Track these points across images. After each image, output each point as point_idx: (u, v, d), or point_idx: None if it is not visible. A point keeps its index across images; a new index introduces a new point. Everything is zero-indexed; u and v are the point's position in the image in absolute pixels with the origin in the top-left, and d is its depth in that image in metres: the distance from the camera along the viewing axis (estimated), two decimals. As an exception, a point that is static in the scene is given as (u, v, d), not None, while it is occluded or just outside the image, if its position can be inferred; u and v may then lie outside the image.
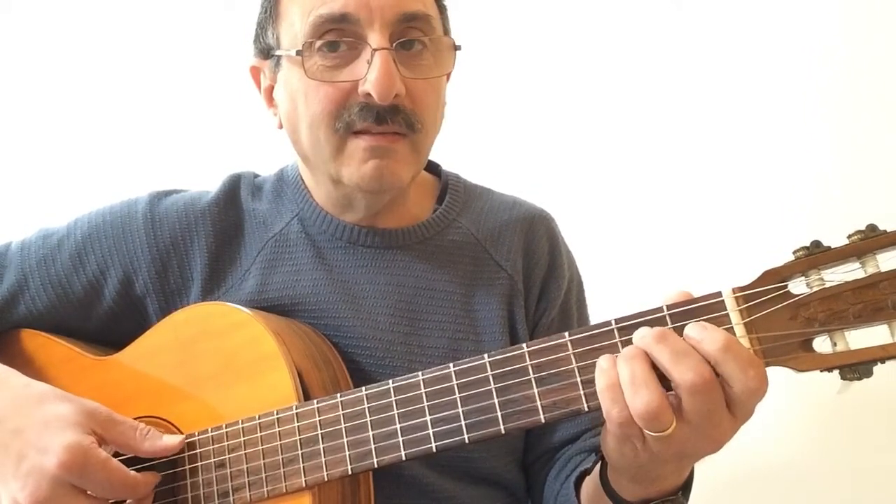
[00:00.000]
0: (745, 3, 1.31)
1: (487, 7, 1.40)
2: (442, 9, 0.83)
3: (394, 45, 0.75)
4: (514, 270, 0.87)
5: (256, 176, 0.93)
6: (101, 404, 0.69)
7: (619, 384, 0.56)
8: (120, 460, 0.67)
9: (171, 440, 0.70)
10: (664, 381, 0.55)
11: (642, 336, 0.56)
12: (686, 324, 0.56)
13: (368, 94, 0.73)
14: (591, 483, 0.74)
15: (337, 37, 0.75)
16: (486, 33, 1.37)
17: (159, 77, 1.51)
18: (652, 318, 0.58)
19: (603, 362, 0.57)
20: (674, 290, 0.59)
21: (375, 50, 0.73)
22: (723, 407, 0.55)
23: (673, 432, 0.55)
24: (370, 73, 0.73)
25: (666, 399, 0.55)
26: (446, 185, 0.91)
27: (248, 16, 0.85)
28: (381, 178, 0.77)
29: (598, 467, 0.71)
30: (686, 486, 0.67)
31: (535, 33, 1.41)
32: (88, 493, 0.65)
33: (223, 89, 1.41)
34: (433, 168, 0.95)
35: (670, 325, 0.57)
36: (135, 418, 0.74)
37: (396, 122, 0.75)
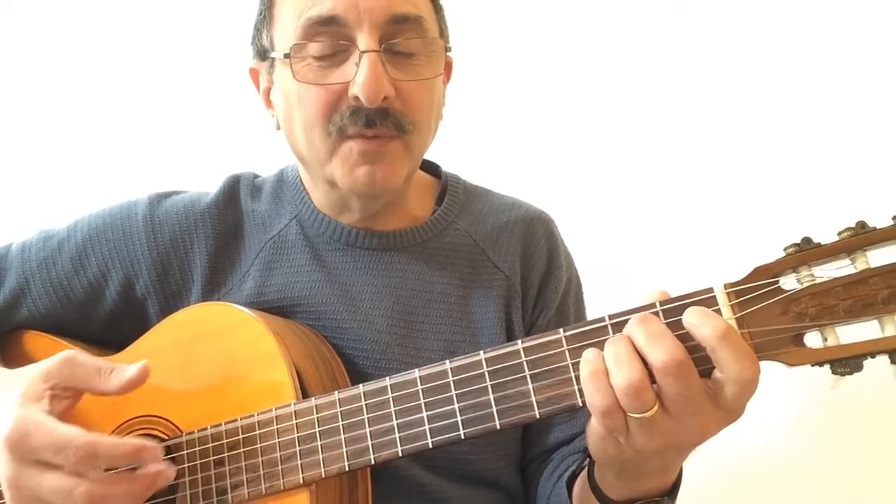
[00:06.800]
0: (743, 4, 1.32)
1: (486, 7, 1.41)
2: (437, 9, 0.83)
3: (383, 46, 0.74)
4: (511, 272, 0.87)
5: (256, 177, 0.94)
6: (64, 357, 0.65)
7: (603, 371, 0.56)
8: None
9: (135, 369, 0.65)
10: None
11: (628, 322, 0.57)
12: (679, 319, 0.57)
13: (357, 97, 0.73)
14: (580, 482, 0.74)
15: (326, 39, 0.75)
16: (485, 34, 1.38)
17: (160, 77, 1.51)
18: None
19: (588, 354, 0.58)
20: (653, 290, 0.60)
21: (363, 52, 0.73)
22: (700, 393, 0.55)
23: (655, 415, 0.55)
24: (358, 76, 0.73)
25: (648, 378, 0.55)
26: (446, 186, 0.92)
27: (249, 16, 0.85)
28: (374, 184, 0.77)
29: (588, 466, 0.71)
30: (673, 490, 0.67)
31: (533, 34, 1.41)
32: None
33: (224, 89, 1.41)
34: (433, 169, 0.95)
35: (663, 321, 0.57)
36: (134, 418, 0.75)
37: (386, 125, 0.75)
